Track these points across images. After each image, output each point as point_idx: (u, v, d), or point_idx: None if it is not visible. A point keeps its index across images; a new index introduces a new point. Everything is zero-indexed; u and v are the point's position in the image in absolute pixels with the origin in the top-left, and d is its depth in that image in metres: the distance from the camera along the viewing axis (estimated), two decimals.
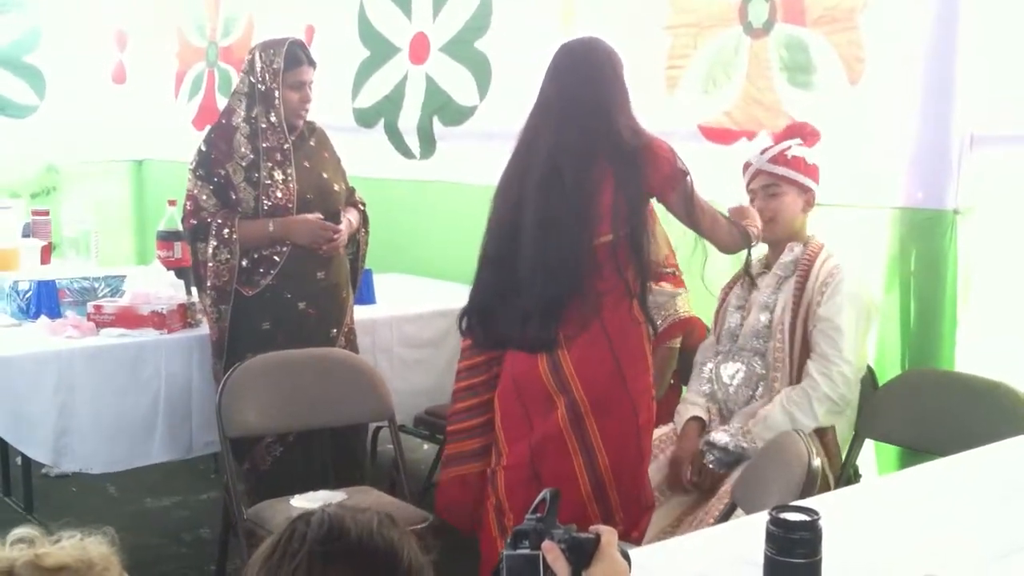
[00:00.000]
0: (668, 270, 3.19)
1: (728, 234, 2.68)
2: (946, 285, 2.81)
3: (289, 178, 3.21)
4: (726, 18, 3.30)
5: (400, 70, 4.52)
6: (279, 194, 3.19)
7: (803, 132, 2.92)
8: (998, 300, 2.76)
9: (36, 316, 3.27)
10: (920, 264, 2.89)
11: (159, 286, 3.29)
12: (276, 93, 3.20)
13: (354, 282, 3.49)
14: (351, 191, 3.48)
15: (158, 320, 3.18)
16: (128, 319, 3.18)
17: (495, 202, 2.72)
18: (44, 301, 3.32)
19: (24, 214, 4.36)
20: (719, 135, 3.32)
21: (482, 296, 2.71)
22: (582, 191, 2.54)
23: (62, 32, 5.87)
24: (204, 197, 3.20)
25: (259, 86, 3.21)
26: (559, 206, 2.54)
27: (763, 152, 2.90)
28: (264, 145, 3.19)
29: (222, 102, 5.59)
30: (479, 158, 4.12)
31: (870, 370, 2.91)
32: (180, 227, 3.52)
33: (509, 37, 4.03)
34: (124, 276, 3.45)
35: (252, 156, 3.19)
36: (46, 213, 4.35)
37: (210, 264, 3.17)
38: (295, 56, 3.24)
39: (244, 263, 3.18)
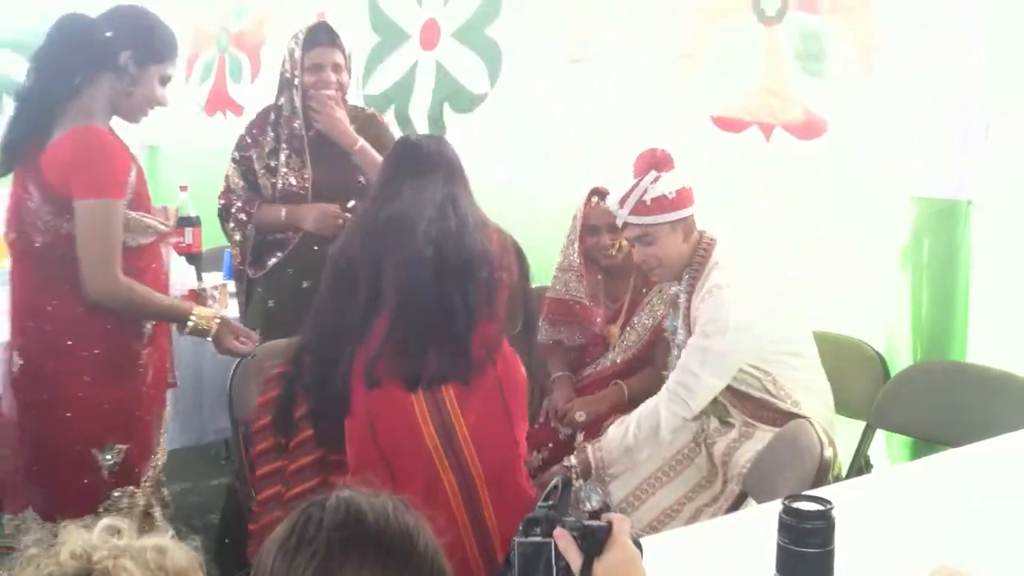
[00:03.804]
0: None
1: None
2: (959, 276, 2.80)
3: (305, 165, 3.21)
4: (739, 6, 3.28)
5: (410, 57, 4.50)
6: (293, 180, 3.21)
7: (655, 162, 2.75)
8: (1011, 291, 2.75)
9: None
10: (933, 254, 2.87)
11: (171, 272, 3.29)
12: (296, 79, 3.19)
13: None
14: None
15: None
16: None
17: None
18: None
19: None
20: (731, 124, 3.31)
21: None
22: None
23: None
24: (235, 179, 3.28)
25: (285, 73, 3.23)
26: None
27: (622, 204, 2.75)
28: (284, 132, 3.22)
29: (233, 88, 5.60)
30: (490, 145, 4.11)
31: (882, 360, 2.91)
32: (192, 213, 3.53)
33: (520, 23, 4.02)
34: None
35: (273, 143, 3.23)
36: None
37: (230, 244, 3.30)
38: (313, 37, 3.20)
39: (259, 245, 3.24)
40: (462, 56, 4.26)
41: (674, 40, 3.46)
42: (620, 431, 2.71)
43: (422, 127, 4.45)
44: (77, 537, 1.10)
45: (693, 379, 2.64)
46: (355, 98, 4.62)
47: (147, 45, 2.51)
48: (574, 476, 2.69)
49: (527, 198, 3.93)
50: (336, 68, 3.21)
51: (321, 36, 3.22)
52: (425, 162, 2.50)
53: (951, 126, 2.80)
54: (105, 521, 1.13)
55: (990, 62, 2.74)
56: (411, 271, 2.33)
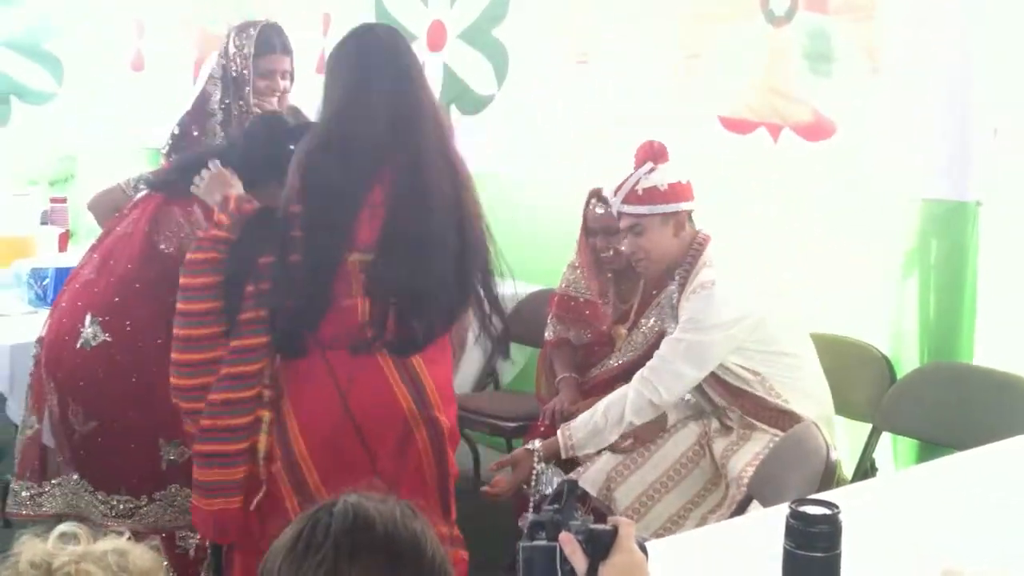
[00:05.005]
0: None
1: None
2: (966, 277, 2.79)
3: None
4: (747, 7, 3.28)
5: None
6: None
7: (652, 153, 2.77)
8: (1019, 292, 2.74)
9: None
10: (940, 256, 2.87)
11: None
12: (247, 79, 3.09)
13: None
14: None
15: None
16: None
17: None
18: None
19: (42, 202, 4.38)
20: (739, 125, 3.30)
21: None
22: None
23: (80, 19, 5.88)
24: None
25: (232, 71, 3.11)
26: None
27: (616, 192, 2.79)
28: (235, 134, 3.07)
29: None
30: (497, 147, 4.12)
31: (888, 362, 2.90)
32: None
33: (527, 24, 4.02)
34: None
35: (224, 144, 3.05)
36: (64, 201, 4.37)
37: None
38: (268, 42, 3.12)
39: None
40: (469, 57, 4.26)
41: (681, 40, 3.45)
42: (589, 413, 2.72)
43: None
44: (33, 546, 1.09)
45: (663, 364, 2.67)
46: None
47: None
48: (536, 459, 2.68)
49: (534, 197, 3.94)
50: (284, 75, 3.17)
51: (275, 42, 3.15)
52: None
53: (959, 126, 2.79)
54: (60, 528, 1.12)
55: (998, 62, 2.73)
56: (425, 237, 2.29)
